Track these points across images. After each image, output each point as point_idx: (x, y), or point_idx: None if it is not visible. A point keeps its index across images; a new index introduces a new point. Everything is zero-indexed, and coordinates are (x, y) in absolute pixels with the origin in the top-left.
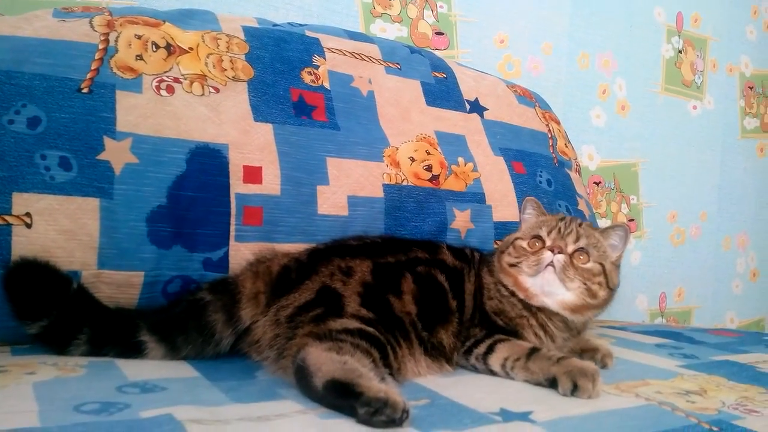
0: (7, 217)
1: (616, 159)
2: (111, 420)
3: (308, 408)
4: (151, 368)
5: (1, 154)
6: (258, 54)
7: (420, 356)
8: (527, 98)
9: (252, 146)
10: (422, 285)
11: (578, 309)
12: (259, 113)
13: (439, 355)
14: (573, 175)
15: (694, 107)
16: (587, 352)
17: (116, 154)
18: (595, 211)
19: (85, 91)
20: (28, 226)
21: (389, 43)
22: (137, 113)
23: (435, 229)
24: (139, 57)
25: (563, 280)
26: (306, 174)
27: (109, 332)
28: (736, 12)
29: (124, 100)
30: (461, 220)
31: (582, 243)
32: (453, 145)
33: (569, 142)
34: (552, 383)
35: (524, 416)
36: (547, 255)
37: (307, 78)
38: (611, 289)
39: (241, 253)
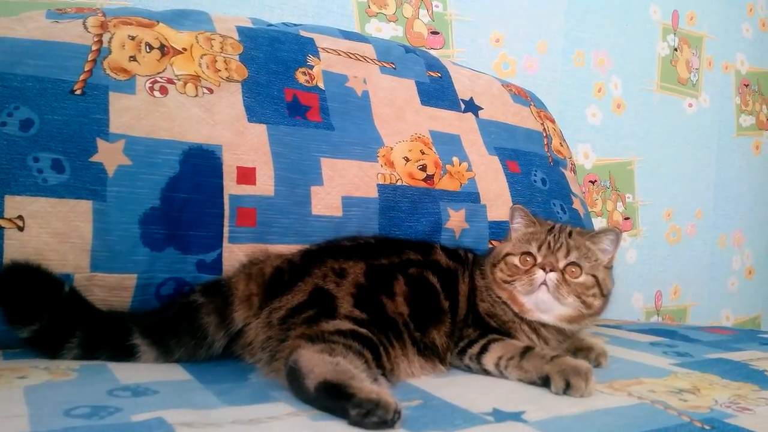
0: None
1: (612, 157)
2: (101, 424)
3: (300, 410)
4: (143, 371)
5: None
6: (252, 54)
7: (413, 356)
8: (522, 97)
9: (246, 147)
10: (414, 286)
11: (574, 320)
12: (253, 114)
13: (432, 355)
14: (568, 173)
15: (690, 105)
16: (582, 351)
17: (109, 155)
18: (590, 210)
19: (78, 92)
20: (21, 229)
21: (384, 43)
22: (130, 115)
23: (429, 229)
24: (133, 58)
25: (557, 298)
26: (300, 174)
27: (101, 336)
28: (731, 10)
29: (117, 102)
30: (456, 219)
31: (573, 257)
32: (448, 144)
33: (564, 140)
34: (545, 382)
35: (517, 416)
36: (540, 274)
37: (301, 78)
38: (605, 296)
39: (234, 255)
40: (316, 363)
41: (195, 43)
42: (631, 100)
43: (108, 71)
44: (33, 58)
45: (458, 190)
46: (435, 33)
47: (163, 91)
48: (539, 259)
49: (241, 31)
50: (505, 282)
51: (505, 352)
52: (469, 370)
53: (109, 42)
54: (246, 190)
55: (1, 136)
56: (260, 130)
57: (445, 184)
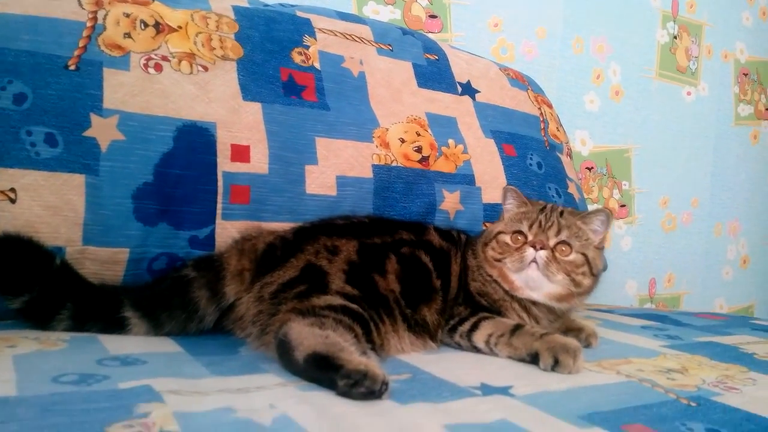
0: None
1: (609, 144)
2: (89, 390)
3: (289, 381)
4: (133, 343)
5: None
6: (248, 33)
7: (404, 332)
8: (520, 81)
9: (240, 125)
10: (406, 265)
11: (564, 298)
12: (248, 92)
13: (422, 331)
14: (564, 158)
15: (689, 93)
16: (572, 331)
17: (103, 130)
18: (587, 197)
19: (72, 68)
20: (13, 201)
21: (381, 25)
22: (124, 91)
23: (424, 210)
24: (128, 35)
25: (547, 276)
26: (294, 153)
27: (92, 308)
28: None
29: (111, 78)
30: (450, 201)
31: (563, 236)
32: (444, 126)
33: (561, 125)
34: (534, 359)
35: (504, 390)
36: (530, 252)
37: (297, 58)
38: (595, 276)
39: (227, 232)
40: (306, 336)
41: (190, 21)
42: (630, 87)
43: (102, 47)
44: (27, 33)
45: (453, 172)
46: (433, 17)
47: (158, 68)
48: (530, 237)
49: (237, 10)
50: (496, 260)
51: (496, 329)
52: (459, 347)
53: (104, 19)
54: (240, 167)
55: None
56: (255, 108)
57: (441, 165)
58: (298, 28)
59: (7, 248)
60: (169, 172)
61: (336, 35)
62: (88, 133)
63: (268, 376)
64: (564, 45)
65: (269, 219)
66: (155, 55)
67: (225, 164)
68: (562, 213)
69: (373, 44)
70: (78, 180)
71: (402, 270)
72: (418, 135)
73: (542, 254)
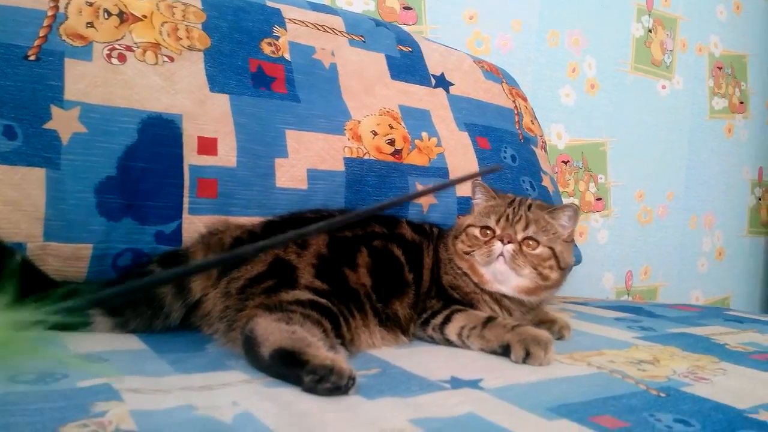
0: None
1: (585, 138)
2: (46, 389)
3: (254, 378)
4: (96, 341)
5: None
6: (215, 23)
7: (375, 327)
8: (494, 74)
9: (207, 117)
10: (378, 258)
11: (532, 291)
12: (216, 83)
13: (394, 326)
14: (538, 151)
15: (663, 87)
16: (545, 323)
17: (64, 123)
18: (563, 190)
19: (32, 58)
20: None
21: (354, 16)
22: (86, 82)
23: None
24: (90, 24)
25: (514, 269)
26: (264, 146)
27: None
28: None
29: (73, 69)
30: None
31: (530, 231)
32: (417, 119)
33: (536, 118)
34: (506, 350)
35: (474, 383)
36: (497, 246)
37: (266, 49)
38: (563, 269)
39: (194, 226)
40: (272, 331)
41: (155, 10)
42: (605, 81)
43: (64, 37)
44: None
45: (427, 165)
46: (408, 8)
47: (122, 58)
48: (498, 231)
49: None
50: (466, 253)
51: (468, 322)
52: (432, 340)
53: (66, 7)
54: (207, 160)
55: None
56: (223, 100)
57: (414, 158)
58: (268, 18)
59: None
60: (133, 165)
61: (307, 26)
62: (48, 125)
63: (234, 373)
64: (539, 38)
65: (238, 213)
66: (119, 45)
67: (191, 157)
68: (530, 206)
69: (345, 35)
70: (38, 174)
71: (373, 263)
72: (391, 128)
73: (509, 248)
